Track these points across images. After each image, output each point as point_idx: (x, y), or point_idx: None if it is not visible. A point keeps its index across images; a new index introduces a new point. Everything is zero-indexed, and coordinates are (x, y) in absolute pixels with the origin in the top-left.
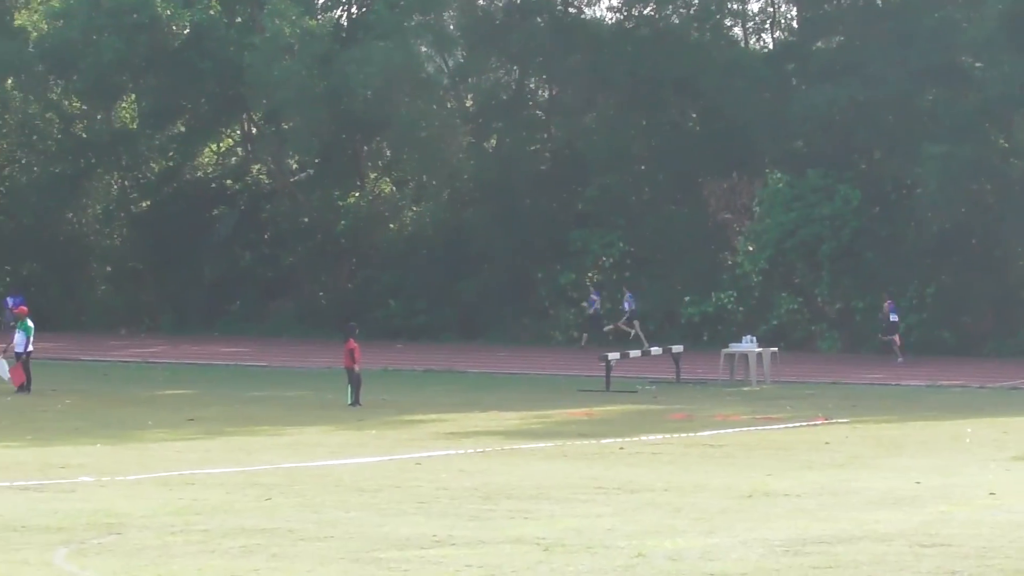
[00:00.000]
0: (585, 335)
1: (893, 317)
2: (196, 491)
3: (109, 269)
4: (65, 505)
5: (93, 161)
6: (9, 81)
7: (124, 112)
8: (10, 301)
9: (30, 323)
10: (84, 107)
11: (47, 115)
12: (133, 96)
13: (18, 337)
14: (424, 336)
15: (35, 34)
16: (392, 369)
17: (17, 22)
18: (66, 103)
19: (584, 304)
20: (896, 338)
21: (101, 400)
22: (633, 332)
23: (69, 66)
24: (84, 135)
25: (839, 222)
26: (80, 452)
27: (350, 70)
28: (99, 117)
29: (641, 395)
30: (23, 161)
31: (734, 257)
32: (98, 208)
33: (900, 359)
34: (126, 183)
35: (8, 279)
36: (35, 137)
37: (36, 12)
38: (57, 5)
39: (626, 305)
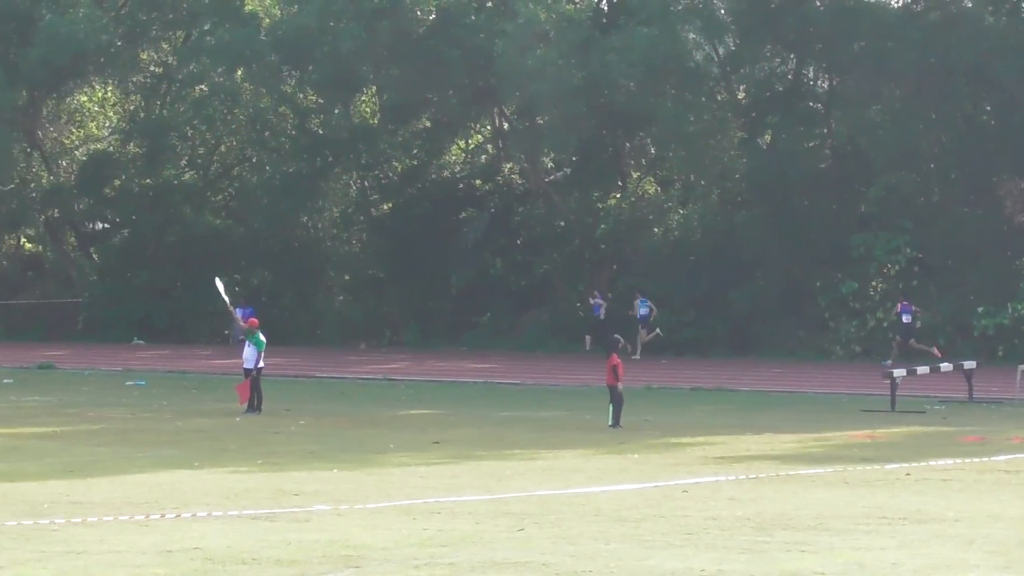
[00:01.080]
0: (588, 337)
1: (906, 319)
2: (442, 521)
3: (347, 278)
4: (299, 536)
5: (330, 160)
6: (239, 72)
7: (364, 106)
8: (239, 312)
9: (262, 337)
10: (320, 100)
11: (280, 109)
12: (373, 88)
13: (248, 352)
14: (691, 351)
15: (267, 21)
16: (656, 387)
17: (248, 7)
18: (301, 96)
19: (593, 303)
20: (910, 341)
21: (338, 421)
22: (651, 335)
23: (304, 56)
24: (320, 131)
25: None
26: (315, 478)
27: (610, 59)
28: (337, 111)
29: (929, 415)
30: (254, 160)
31: None
32: (335, 211)
33: (888, 361)
34: (366, 183)
35: (237, 288)
36: (267, 134)
37: None
38: None
39: (642, 311)
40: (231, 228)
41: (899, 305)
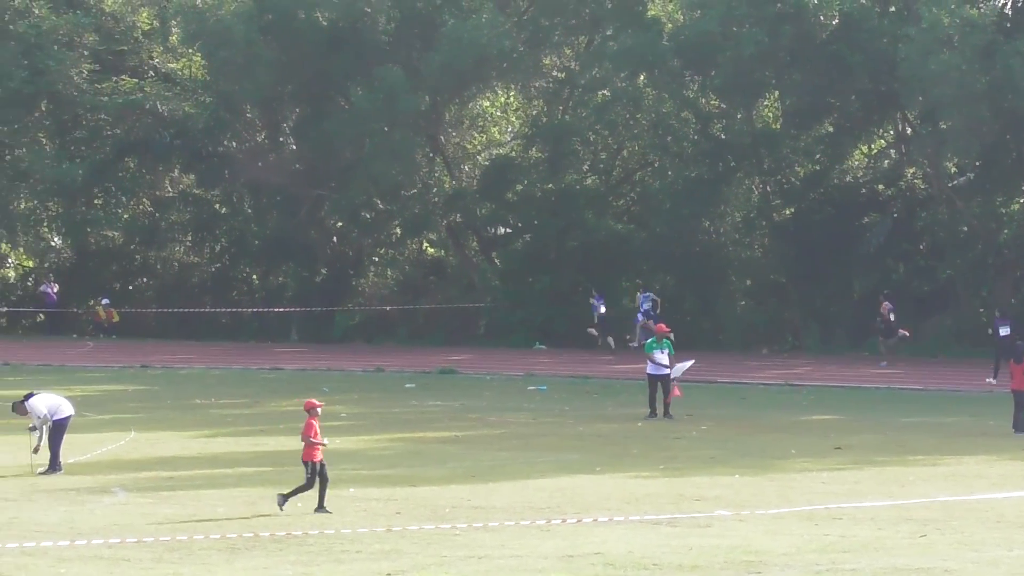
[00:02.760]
0: (610, 337)
1: (892, 317)
2: (843, 527)
3: (749, 283)
4: (700, 541)
5: (732, 164)
6: (641, 77)
7: (766, 111)
8: (640, 317)
9: (669, 339)
10: (722, 105)
11: (682, 114)
12: (776, 93)
13: (662, 358)
14: None
15: (669, 26)
16: None
17: (651, 13)
18: (703, 101)
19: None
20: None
21: (739, 426)
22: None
23: (707, 61)
24: (722, 136)
25: None
26: (716, 483)
27: (1014, 64)
28: (739, 116)
29: None
30: (655, 164)
31: None
32: (737, 216)
33: (883, 364)
34: (768, 188)
35: (639, 292)
36: (669, 138)
37: (672, 2)
38: None
39: (643, 305)
40: (632, 233)
41: (884, 305)
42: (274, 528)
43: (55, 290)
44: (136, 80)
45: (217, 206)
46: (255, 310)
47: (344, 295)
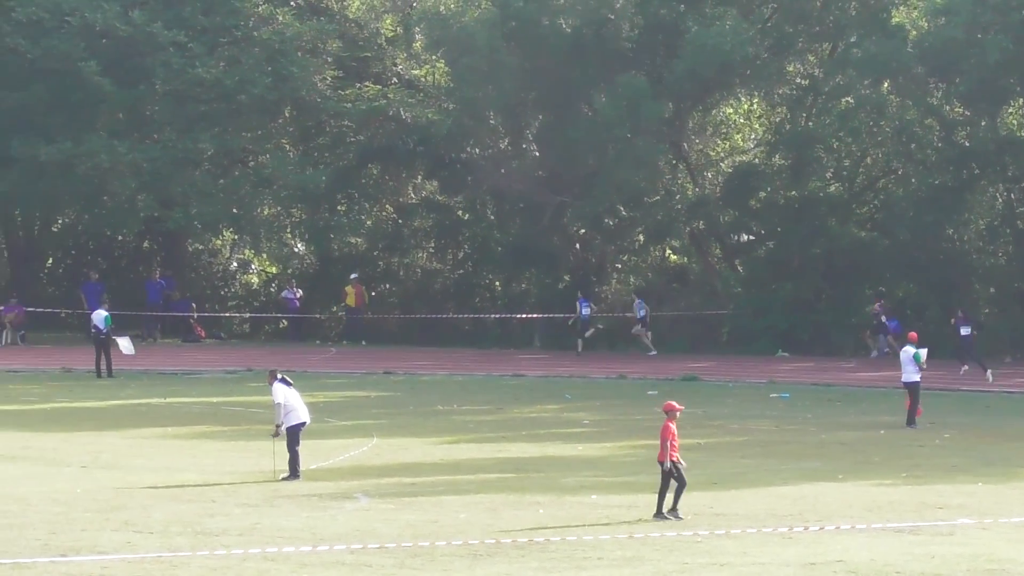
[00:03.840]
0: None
1: (884, 318)
2: None
3: (992, 290)
4: (942, 549)
5: (976, 172)
6: (885, 84)
7: (1010, 118)
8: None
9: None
10: (967, 112)
11: (926, 122)
12: (1021, 100)
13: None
14: None
15: (914, 33)
16: None
17: (895, 20)
18: (947, 108)
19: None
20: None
21: (982, 435)
22: (645, 338)
23: (951, 68)
24: (966, 143)
25: None
26: (959, 491)
27: None
28: (983, 123)
29: None
30: (899, 172)
31: None
32: (981, 223)
33: (875, 353)
34: (1012, 196)
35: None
36: (913, 146)
37: (915, 9)
38: (939, 2)
39: (640, 312)
40: (875, 240)
41: (876, 304)
42: (516, 535)
43: (298, 296)
44: (379, 87)
45: (460, 212)
46: (498, 316)
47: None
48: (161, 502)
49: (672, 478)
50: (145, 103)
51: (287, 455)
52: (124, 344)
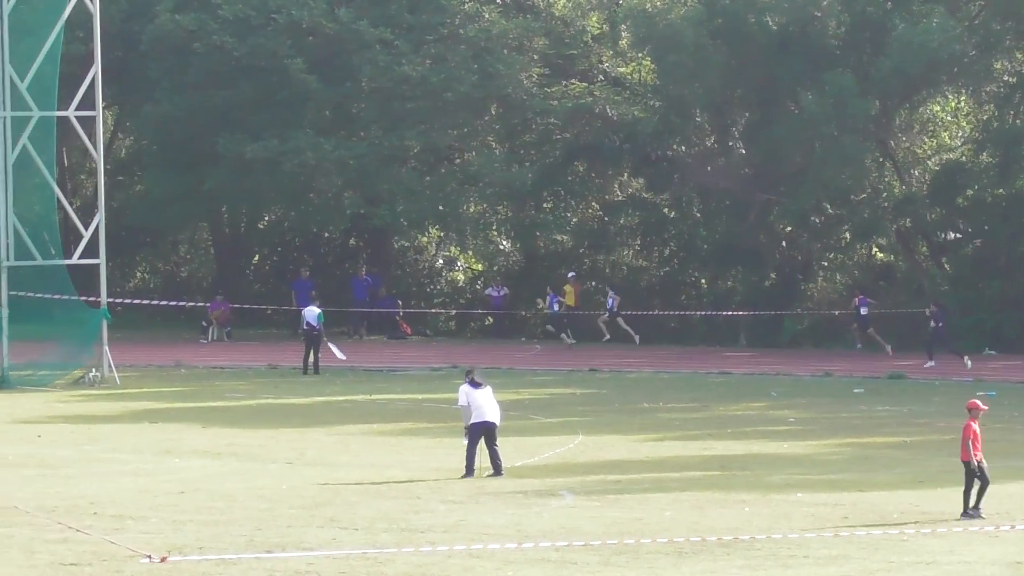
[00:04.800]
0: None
1: (863, 311)
2: None
3: None
4: None
5: None
6: None
7: None
8: None
9: None
10: None
11: None
12: None
13: None
14: None
15: None
16: None
17: None
18: None
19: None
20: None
21: None
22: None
23: None
24: None
25: None
26: None
27: None
28: None
29: None
30: None
31: None
32: None
33: (859, 345)
34: None
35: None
36: None
37: None
38: None
39: (610, 303)
40: None
41: (856, 299)
42: (721, 532)
43: (503, 293)
44: (585, 84)
45: (666, 210)
46: (703, 313)
47: (793, 299)
48: (366, 498)
49: (976, 477)
50: (351, 101)
51: (489, 453)
52: (337, 350)
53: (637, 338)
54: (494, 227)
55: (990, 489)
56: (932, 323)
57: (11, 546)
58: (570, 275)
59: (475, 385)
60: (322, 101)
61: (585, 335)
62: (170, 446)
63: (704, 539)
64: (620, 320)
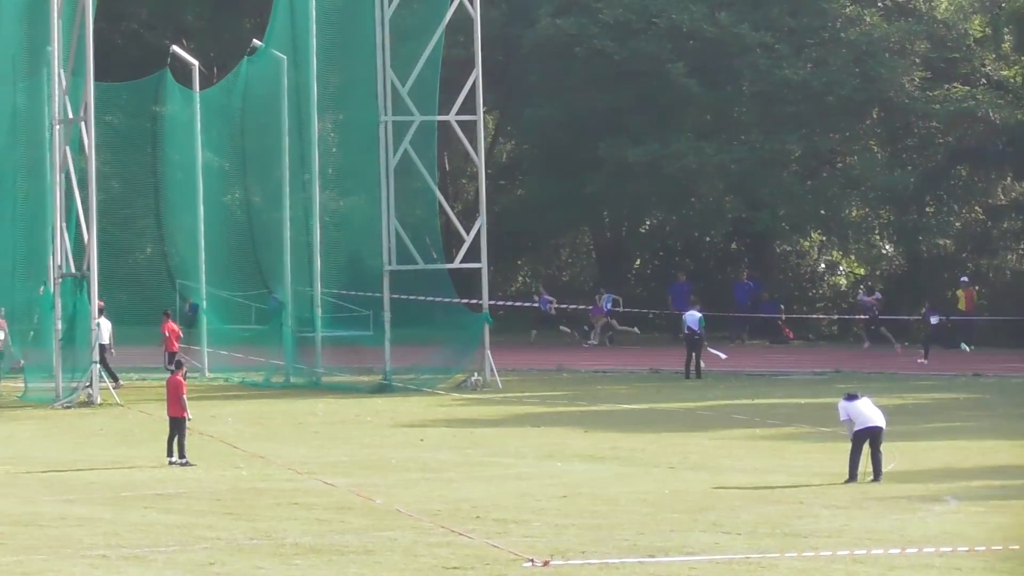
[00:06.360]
0: (534, 331)
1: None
2: None
3: None
4: None
5: None
6: None
7: None
8: None
9: None
10: None
11: None
12: None
13: None
14: None
15: None
16: None
17: None
18: None
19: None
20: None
21: None
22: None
23: None
24: None
25: None
26: None
27: None
28: None
29: None
30: None
31: None
32: None
33: (867, 344)
34: None
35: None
36: None
37: None
38: None
39: (606, 305)
40: None
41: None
42: None
43: (876, 299)
44: (967, 88)
45: None
46: None
47: None
48: (749, 503)
49: None
50: (732, 104)
51: (872, 457)
52: (718, 351)
53: (636, 330)
54: (876, 231)
55: None
56: (930, 320)
57: (394, 549)
58: (963, 279)
59: (851, 398)
60: (702, 105)
61: (979, 340)
62: (552, 450)
63: None
64: (614, 322)
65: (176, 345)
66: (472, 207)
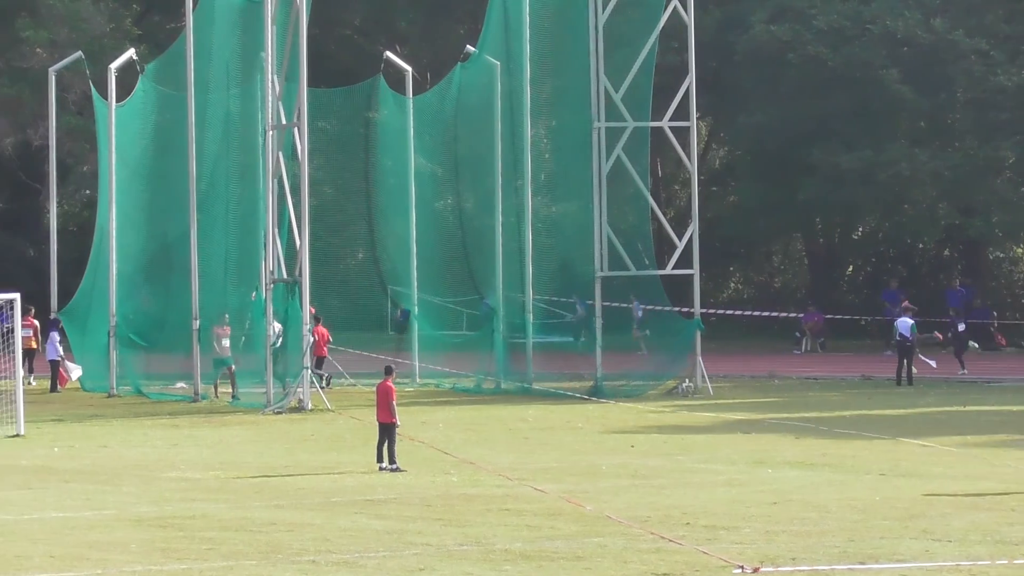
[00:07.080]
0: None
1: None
2: None
3: None
4: None
5: None
6: None
7: None
8: None
9: None
10: None
11: None
12: None
13: None
14: None
15: None
16: None
17: None
18: None
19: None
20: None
21: None
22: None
23: None
24: None
25: None
26: None
27: None
28: None
29: None
30: None
31: None
32: None
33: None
34: None
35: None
36: None
37: None
38: None
39: (637, 314)
40: None
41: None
42: None
43: None
44: None
45: None
46: None
47: None
48: (960, 510)
49: None
50: (945, 111)
51: None
52: (928, 359)
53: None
54: None
55: None
56: (957, 327)
57: (604, 555)
58: None
59: None
60: (916, 112)
61: None
62: (763, 457)
63: None
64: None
65: (324, 349)
66: (684, 213)
